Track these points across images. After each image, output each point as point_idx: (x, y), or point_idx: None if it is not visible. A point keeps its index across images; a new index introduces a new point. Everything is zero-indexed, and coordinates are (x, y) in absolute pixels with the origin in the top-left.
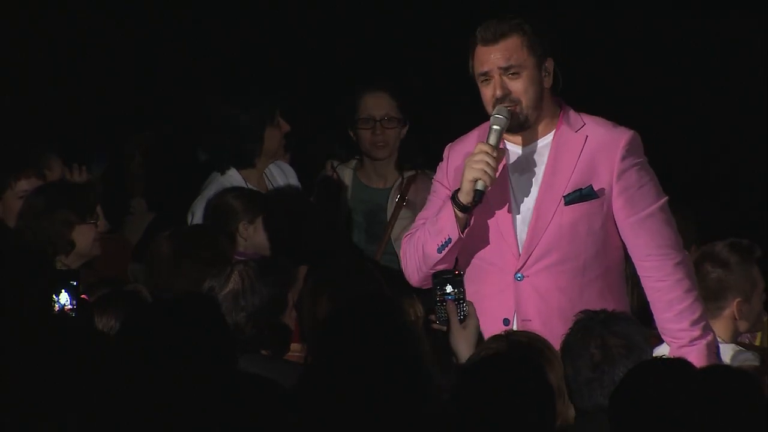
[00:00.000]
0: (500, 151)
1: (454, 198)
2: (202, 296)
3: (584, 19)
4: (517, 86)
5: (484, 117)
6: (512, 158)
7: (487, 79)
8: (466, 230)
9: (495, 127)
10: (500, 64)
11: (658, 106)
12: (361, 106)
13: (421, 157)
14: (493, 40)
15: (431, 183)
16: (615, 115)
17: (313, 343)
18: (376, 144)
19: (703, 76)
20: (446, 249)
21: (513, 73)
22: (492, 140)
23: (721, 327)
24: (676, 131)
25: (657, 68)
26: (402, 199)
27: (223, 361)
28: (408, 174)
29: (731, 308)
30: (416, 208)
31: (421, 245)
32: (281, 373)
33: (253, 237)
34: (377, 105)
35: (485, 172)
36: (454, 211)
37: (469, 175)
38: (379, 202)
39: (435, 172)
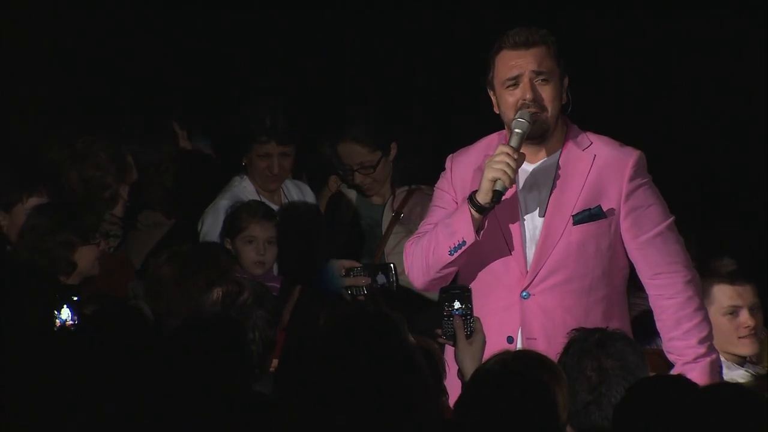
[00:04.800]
0: (521, 155)
1: (471, 199)
2: (230, 319)
3: (581, 27)
4: (546, 93)
5: (487, 127)
6: (521, 175)
7: (514, 84)
8: (481, 233)
9: (517, 130)
10: (533, 68)
11: (657, 123)
12: (339, 153)
13: (419, 170)
14: (524, 44)
15: (426, 198)
16: (612, 131)
17: (310, 358)
18: (364, 187)
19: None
20: (459, 251)
21: (544, 79)
22: (513, 143)
23: None
24: (675, 147)
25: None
26: (397, 214)
27: (243, 382)
28: (401, 190)
29: None
30: (410, 223)
31: (432, 248)
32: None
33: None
34: (348, 155)
35: (505, 172)
36: (471, 212)
37: (489, 174)
38: (377, 217)
39: (431, 186)
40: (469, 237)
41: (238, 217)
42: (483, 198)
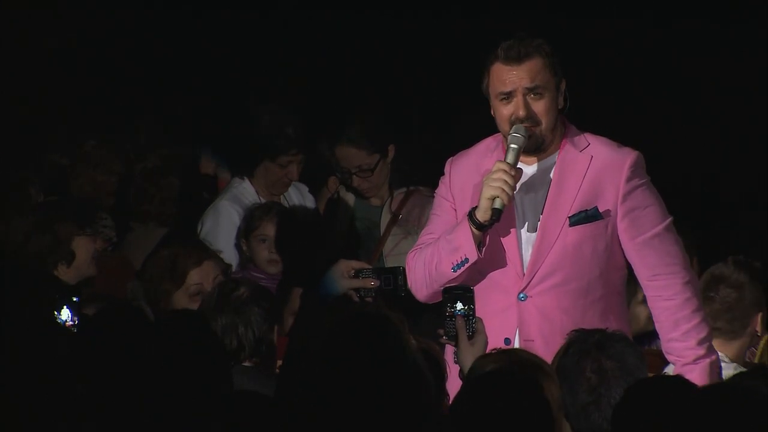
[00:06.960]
0: (518, 170)
1: (470, 216)
2: (195, 315)
3: (581, 28)
4: (540, 107)
5: (488, 127)
6: None
7: (507, 98)
8: (483, 249)
9: (513, 145)
10: (525, 84)
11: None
12: (337, 156)
13: (418, 171)
14: (517, 59)
15: (424, 199)
16: (612, 131)
17: (311, 360)
18: (362, 190)
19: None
20: (462, 269)
21: (537, 94)
22: (510, 159)
23: (740, 346)
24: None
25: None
26: (395, 216)
27: (220, 379)
28: (399, 191)
29: (754, 323)
30: (409, 224)
31: (434, 263)
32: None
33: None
34: (347, 158)
35: (503, 190)
36: (471, 229)
37: (487, 192)
38: (375, 219)
39: (428, 187)
40: (472, 255)
41: (252, 216)
42: (482, 216)
